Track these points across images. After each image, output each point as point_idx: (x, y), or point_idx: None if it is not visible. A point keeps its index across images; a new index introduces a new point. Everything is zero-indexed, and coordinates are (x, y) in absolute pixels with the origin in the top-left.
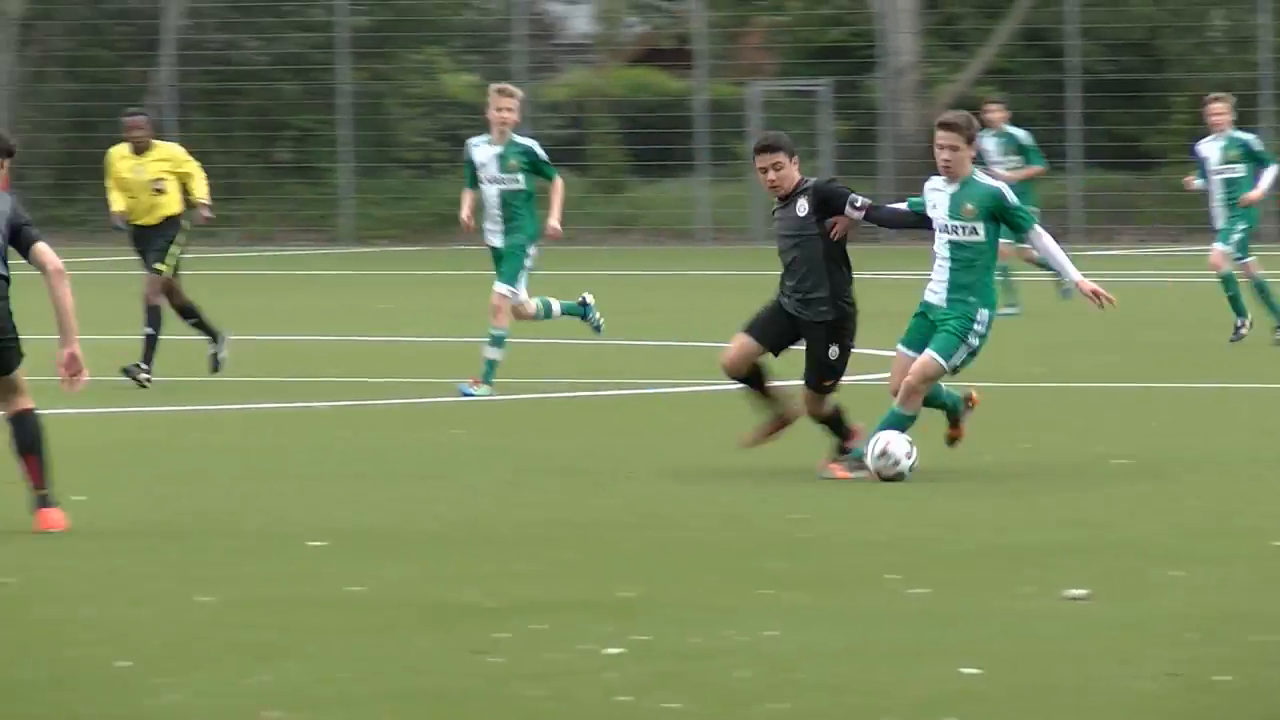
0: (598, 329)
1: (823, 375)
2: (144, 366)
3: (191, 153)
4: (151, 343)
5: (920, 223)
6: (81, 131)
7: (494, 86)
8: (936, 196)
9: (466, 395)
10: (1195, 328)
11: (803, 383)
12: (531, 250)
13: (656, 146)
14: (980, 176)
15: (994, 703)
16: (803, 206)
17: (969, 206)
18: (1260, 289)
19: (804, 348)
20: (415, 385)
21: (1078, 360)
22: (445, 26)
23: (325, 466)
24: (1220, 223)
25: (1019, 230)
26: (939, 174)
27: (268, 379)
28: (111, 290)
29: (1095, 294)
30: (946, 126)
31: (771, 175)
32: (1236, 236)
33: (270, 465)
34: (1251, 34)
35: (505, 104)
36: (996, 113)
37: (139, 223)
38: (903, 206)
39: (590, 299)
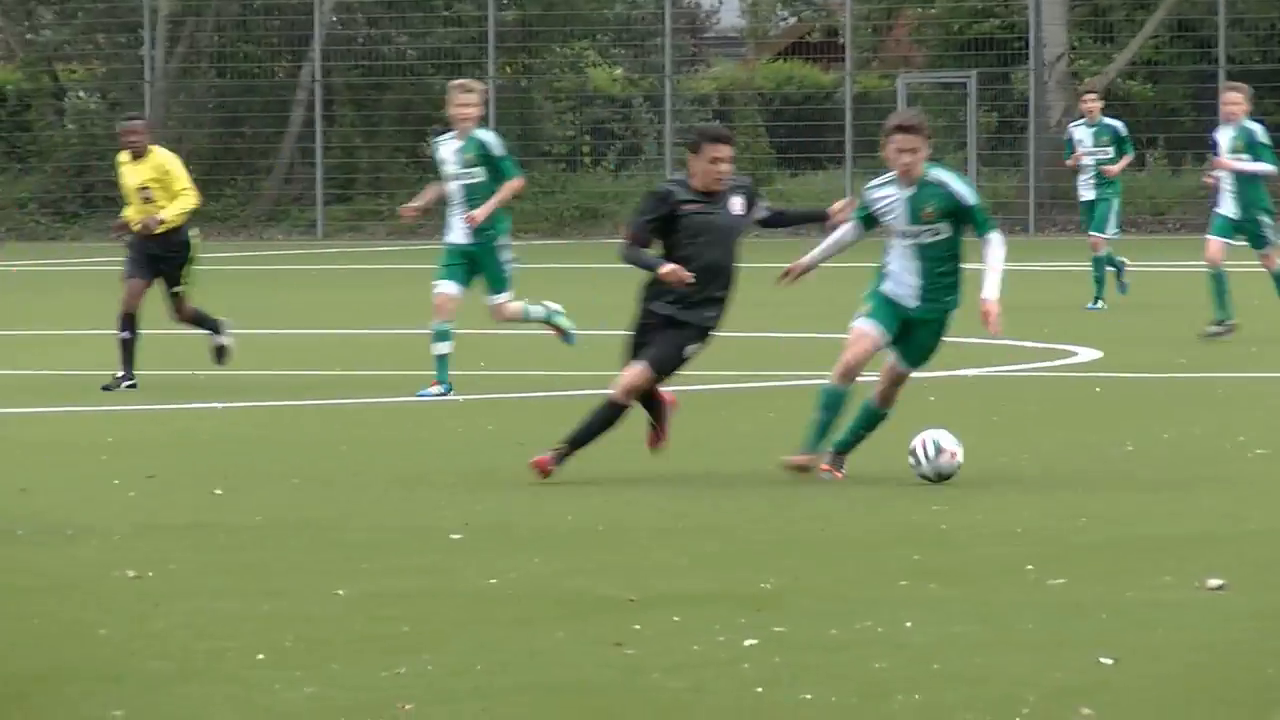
0: (569, 339)
1: (673, 367)
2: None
3: (337, 147)
4: (221, 352)
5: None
6: (229, 127)
7: (453, 83)
8: (889, 203)
9: (424, 396)
10: None
11: (643, 361)
12: (505, 249)
13: (803, 139)
14: (934, 175)
15: (1131, 693)
16: (737, 205)
17: (929, 209)
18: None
19: (659, 335)
20: (558, 378)
21: (1219, 351)
22: (593, 20)
23: (465, 460)
24: (1229, 210)
25: (977, 231)
26: (892, 175)
27: (407, 372)
28: (248, 284)
29: (988, 316)
30: (907, 129)
31: (725, 166)
32: (1267, 228)
33: (409, 458)
34: None
35: (464, 100)
36: (1092, 103)
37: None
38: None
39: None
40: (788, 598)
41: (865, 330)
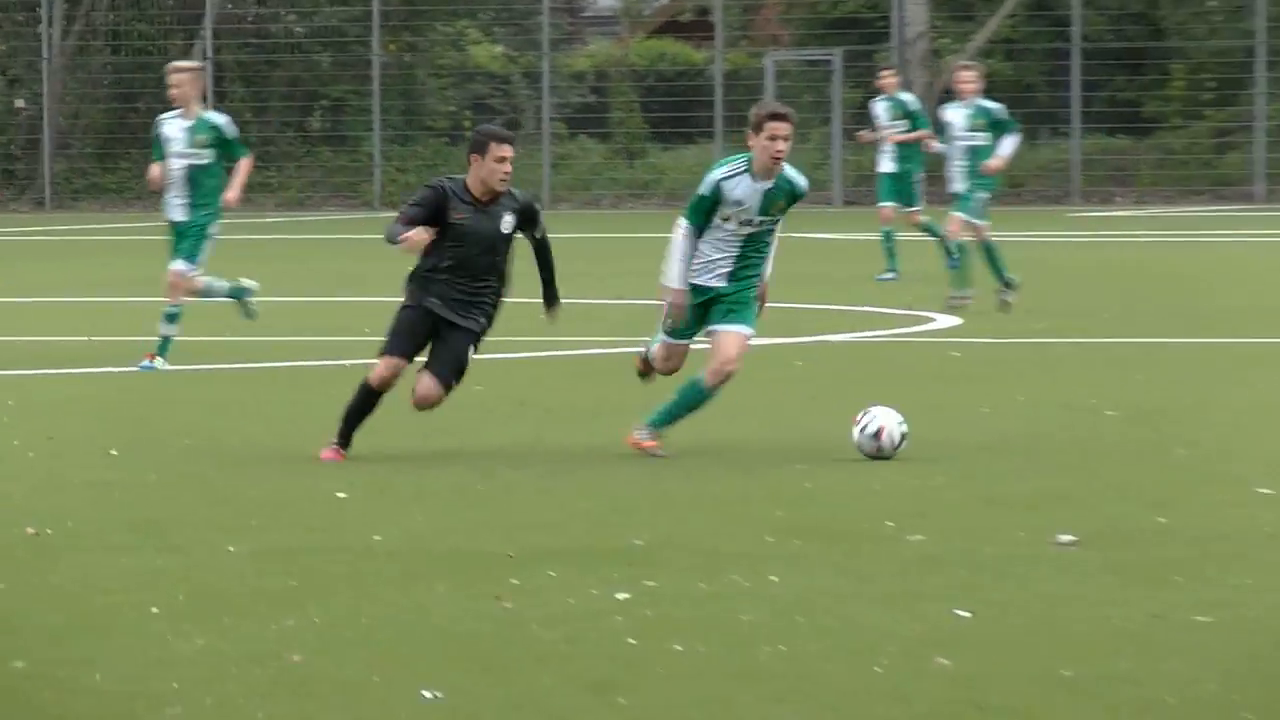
0: (250, 315)
1: (459, 373)
2: None
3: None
4: None
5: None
6: (124, 103)
7: (169, 65)
8: (745, 194)
9: (146, 368)
10: (1185, 285)
11: (431, 374)
12: (214, 229)
13: (675, 114)
14: (786, 169)
15: (984, 644)
16: (508, 222)
17: (781, 203)
18: (988, 250)
19: (440, 343)
20: None
21: (1075, 317)
22: (475, 0)
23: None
24: (959, 187)
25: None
26: (741, 165)
27: (306, 339)
28: (140, 254)
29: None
30: (785, 117)
31: (508, 168)
32: (977, 202)
33: (295, 420)
34: (1248, 3)
35: (173, 80)
36: (889, 79)
37: None
38: None
39: (252, 285)
40: (658, 553)
41: (676, 347)
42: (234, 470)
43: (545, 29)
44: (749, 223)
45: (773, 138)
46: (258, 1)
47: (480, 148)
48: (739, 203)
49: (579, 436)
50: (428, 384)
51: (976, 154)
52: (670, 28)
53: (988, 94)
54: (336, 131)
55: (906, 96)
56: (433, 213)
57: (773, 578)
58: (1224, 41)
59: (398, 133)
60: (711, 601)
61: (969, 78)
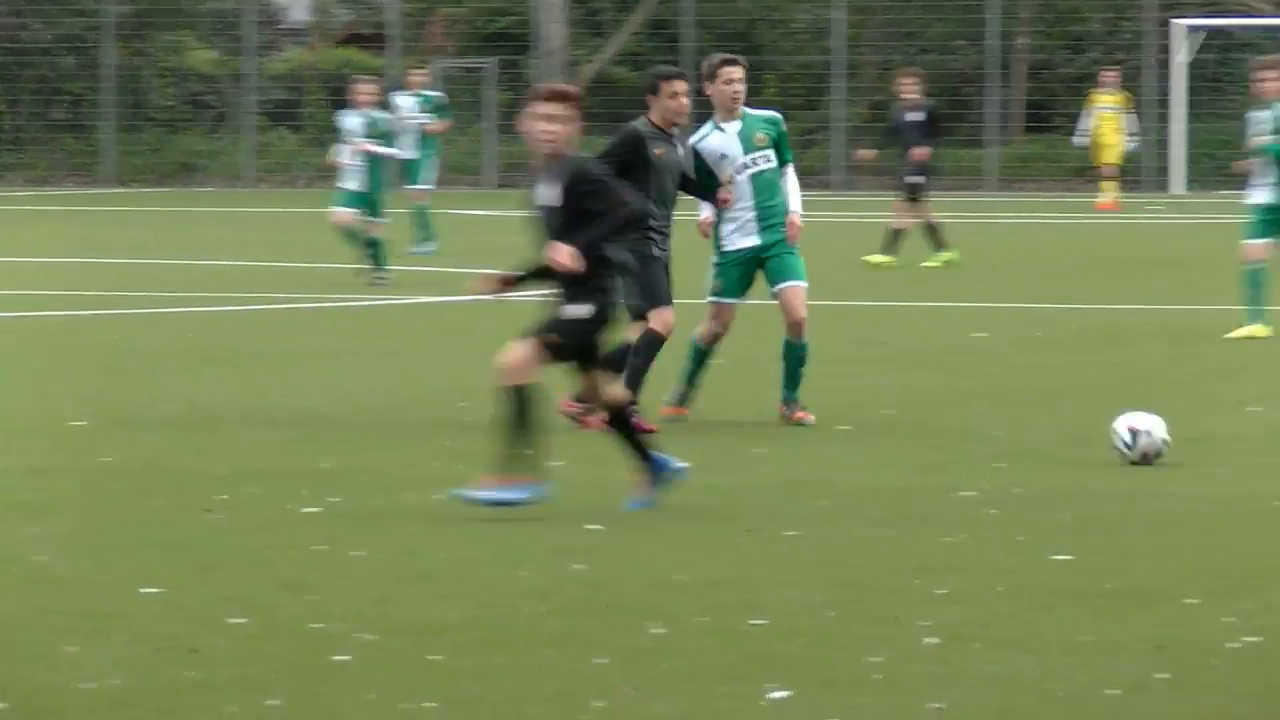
0: None
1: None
2: None
3: None
4: None
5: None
6: None
7: None
8: (721, 143)
9: None
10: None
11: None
12: None
13: None
14: (751, 109)
15: (612, 552)
16: (682, 149)
17: (760, 135)
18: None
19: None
20: (161, 298)
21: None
22: (192, 13)
23: (86, 362)
24: (354, 185)
25: (783, 159)
26: (709, 123)
27: (45, 293)
28: None
29: (793, 226)
30: (738, 63)
31: (683, 99)
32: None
33: (45, 361)
34: (827, 26)
35: None
36: (416, 77)
37: None
38: None
39: None
40: (343, 475)
41: (725, 305)
42: None
43: (250, 38)
44: (746, 165)
45: (728, 81)
46: (13, 12)
47: (654, 89)
48: (723, 154)
49: (277, 376)
50: (668, 315)
51: (372, 159)
52: (353, 39)
53: (613, 96)
54: (76, 121)
55: (434, 93)
56: (631, 159)
57: (438, 497)
58: (809, 57)
59: (127, 122)
60: (387, 516)
61: (366, 89)
